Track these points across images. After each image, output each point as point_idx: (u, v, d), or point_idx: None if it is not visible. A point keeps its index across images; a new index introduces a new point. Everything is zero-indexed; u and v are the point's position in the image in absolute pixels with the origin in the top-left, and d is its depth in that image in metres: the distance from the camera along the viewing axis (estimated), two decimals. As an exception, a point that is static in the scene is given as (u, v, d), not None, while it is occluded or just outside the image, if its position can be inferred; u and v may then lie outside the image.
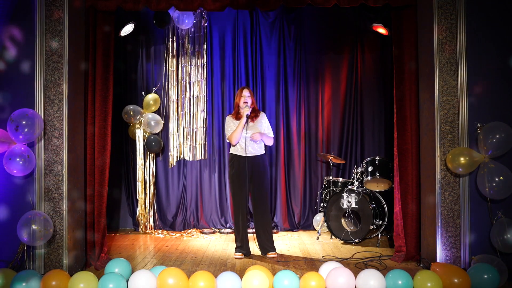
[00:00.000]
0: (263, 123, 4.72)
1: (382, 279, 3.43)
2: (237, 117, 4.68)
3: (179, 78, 6.34)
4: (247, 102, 4.62)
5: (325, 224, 5.42)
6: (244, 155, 4.58)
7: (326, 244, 5.28)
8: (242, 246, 4.65)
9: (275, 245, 4.75)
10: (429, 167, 4.16)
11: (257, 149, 4.66)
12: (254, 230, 4.83)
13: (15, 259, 3.83)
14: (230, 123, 4.71)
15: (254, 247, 4.82)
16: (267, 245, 4.68)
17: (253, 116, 4.68)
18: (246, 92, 4.66)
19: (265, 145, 4.75)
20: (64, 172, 3.98)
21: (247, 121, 4.59)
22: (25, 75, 3.97)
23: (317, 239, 5.52)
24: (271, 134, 4.75)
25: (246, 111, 4.58)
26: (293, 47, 6.35)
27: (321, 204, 5.85)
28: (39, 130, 3.85)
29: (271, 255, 4.64)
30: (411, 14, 4.39)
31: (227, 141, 4.74)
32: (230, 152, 4.73)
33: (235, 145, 4.64)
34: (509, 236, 3.67)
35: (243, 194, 4.60)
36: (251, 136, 4.58)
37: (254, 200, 4.68)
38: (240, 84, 6.30)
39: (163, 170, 6.34)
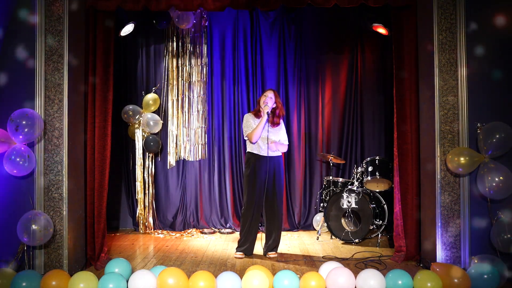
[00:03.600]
0: (281, 132, 4.71)
1: (382, 279, 3.43)
2: (257, 114, 4.64)
3: (179, 78, 6.34)
4: (266, 102, 4.59)
5: (325, 224, 5.42)
6: (265, 155, 4.55)
7: (326, 244, 5.28)
8: (248, 246, 4.63)
9: (276, 245, 4.78)
10: (429, 167, 4.16)
11: (275, 150, 4.65)
12: (263, 230, 4.81)
13: (15, 259, 3.82)
14: (250, 120, 4.65)
15: (255, 247, 4.82)
16: (274, 245, 4.68)
17: (275, 122, 4.66)
18: (269, 93, 4.64)
19: None
20: (64, 172, 3.98)
21: (267, 120, 4.58)
22: (25, 75, 3.96)
23: (317, 239, 5.52)
24: (286, 142, 4.75)
25: (266, 109, 4.56)
26: (293, 47, 6.35)
27: (321, 204, 5.85)
28: (39, 130, 3.84)
29: (271, 255, 4.64)
30: (411, 14, 4.39)
31: (245, 138, 4.67)
32: (247, 151, 4.68)
33: (254, 143, 4.60)
34: (509, 236, 3.67)
35: (260, 194, 4.56)
36: (269, 146, 4.57)
37: (270, 201, 4.61)
38: (240, 84, 6.30)
39: (163, 170, 6.34)
